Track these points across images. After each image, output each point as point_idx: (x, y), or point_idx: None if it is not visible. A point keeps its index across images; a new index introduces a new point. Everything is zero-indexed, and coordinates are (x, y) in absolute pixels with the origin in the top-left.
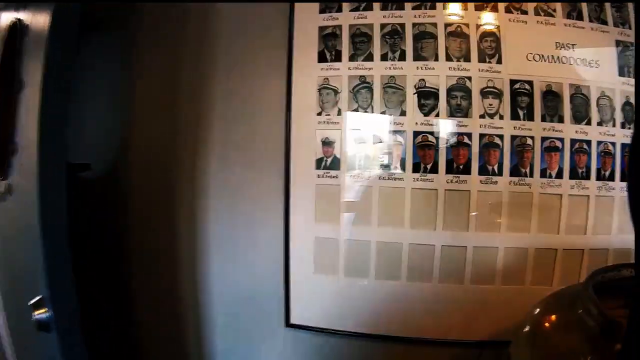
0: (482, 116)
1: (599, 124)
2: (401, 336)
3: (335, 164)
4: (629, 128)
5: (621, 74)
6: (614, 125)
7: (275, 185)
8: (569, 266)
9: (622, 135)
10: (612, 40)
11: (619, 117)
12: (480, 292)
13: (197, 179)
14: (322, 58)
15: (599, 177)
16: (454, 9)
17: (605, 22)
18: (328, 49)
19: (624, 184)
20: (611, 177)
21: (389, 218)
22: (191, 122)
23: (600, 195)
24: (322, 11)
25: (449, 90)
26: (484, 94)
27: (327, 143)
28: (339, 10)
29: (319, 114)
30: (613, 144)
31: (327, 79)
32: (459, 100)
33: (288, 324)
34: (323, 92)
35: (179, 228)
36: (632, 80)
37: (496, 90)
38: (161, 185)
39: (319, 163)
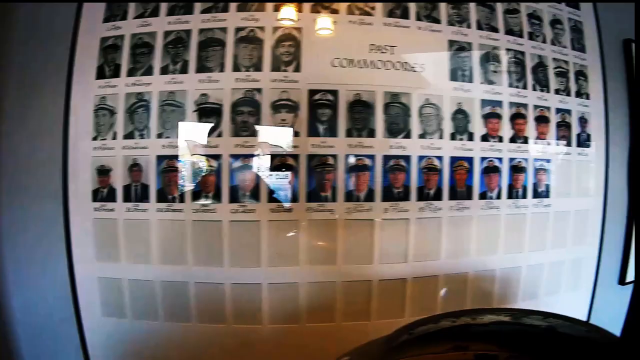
0: None
1: (422, 136)
2: None
3: (111, 196)
4: (461, 139)
5: (453, 78)
6: (440, 137)
7: (57, 219)
8: (388, 298)
9: (452, 148)
10: (444, 41)
11: (448, 127)
12: (281, 332)
13: None
14: (101, 74)
15: (422, 197)
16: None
17: (437, 21)
18: (107, 63)
19: (454, 202)
20: (437, 196)
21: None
22: None
23: (423, 217)
24: (106, 19)
25: (234, 106)
26: (276, 107)
27: (102, 172)
28: (124, 17)
29: (95, 138)
30: (439, 158)
31: (105, 97)
32: (246, 117)
33: None
34: (99, 114)
35: None
36: (466, 85)
37: (291, 103)
38: None
39: (95, 195)
